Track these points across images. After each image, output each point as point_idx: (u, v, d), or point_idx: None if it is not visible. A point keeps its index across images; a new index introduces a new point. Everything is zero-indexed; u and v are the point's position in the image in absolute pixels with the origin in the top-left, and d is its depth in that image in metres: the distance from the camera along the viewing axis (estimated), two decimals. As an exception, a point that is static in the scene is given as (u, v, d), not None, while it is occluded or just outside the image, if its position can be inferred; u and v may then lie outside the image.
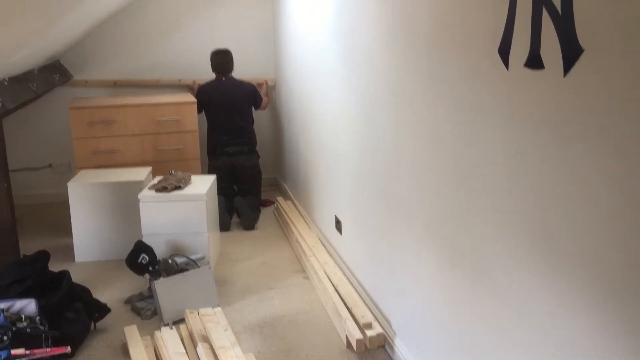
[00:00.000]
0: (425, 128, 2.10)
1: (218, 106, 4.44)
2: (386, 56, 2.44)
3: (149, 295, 3.07)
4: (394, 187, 2.46)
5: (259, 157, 4.59)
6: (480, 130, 1.72)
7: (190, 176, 3.66)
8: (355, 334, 2.57)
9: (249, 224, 4.22)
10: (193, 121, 4.28)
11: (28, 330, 2.43)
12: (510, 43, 1.51)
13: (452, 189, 1.94)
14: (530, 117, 1.47)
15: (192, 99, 4.38)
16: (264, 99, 4.75)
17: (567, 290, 1.39)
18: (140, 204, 3.38)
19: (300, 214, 4.20)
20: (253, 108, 4.61)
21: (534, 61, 1.42)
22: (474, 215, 1.80)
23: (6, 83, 2.98)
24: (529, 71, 1.45)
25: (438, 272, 2.10)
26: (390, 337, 2.57)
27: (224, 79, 4.50)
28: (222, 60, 4.48)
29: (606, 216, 1.24)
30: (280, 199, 4.60)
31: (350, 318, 2.71)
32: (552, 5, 1.33)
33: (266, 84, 4.91)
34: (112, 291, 3.23)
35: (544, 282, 1.47)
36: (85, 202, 3.64)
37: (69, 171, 4.62)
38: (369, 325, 2.62)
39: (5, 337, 2.33)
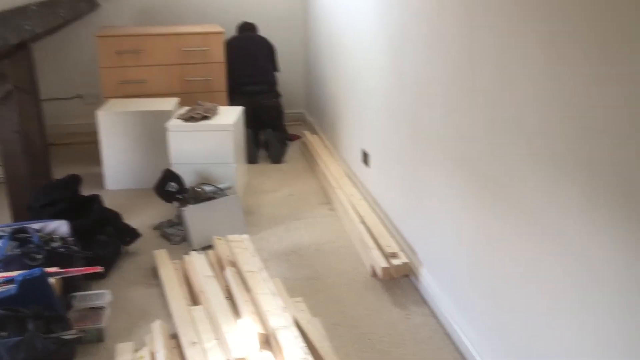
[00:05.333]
0: (458, 61, 2.03)
1: (240, 50, 4.44)
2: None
3: (178, 222, 3.12)
4: (424, 119, 2.41)
5: (279, 95, 4.56)
6: (518, 59, 1.66)
7: (217, 107, 3.64)
8: (381, 263, 2.59)
9: (277, 157, 4.22)
10: (220, 52, 4.22)
11: (62, 250, 2.49)
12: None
13: (484, 120, 1.89)
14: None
15: (219, 28, 4.31)
16: None
17: (606, 217, 1.35)
18: (169, 133, 3.40)
19: (327, 148, 4.19)
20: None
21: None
22: (507, 145, 1.76)
23: (34, 7, 2.96)
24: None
25: (467, 202, 2.08)
26: (415, 267, 2.58)
27: (250, 34, 4.60)
28: (248, 25, 4.63)
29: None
30: (306, 133, 4.57)
31: (376, 247, 2.72)
32: None
33: None
34: (141, 218, 3.29)
35: (583, 208, 1.44)
36: (115, 130, 3.68)
37: (98, 102, 4.63)
38: (394, 255, 2.64)
39: (39, 256, 2.40)
